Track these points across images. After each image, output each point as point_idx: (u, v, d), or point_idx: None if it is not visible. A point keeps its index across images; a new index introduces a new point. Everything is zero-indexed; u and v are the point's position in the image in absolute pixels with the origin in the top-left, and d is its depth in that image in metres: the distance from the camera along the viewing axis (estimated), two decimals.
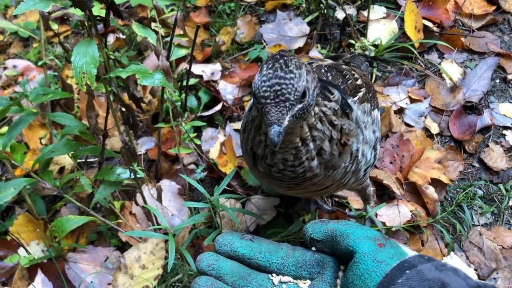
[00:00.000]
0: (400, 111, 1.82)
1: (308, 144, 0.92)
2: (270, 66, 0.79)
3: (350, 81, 1.12)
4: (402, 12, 2.06)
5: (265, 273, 0.74)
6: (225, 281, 0.72)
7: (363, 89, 1.13)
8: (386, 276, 0.61)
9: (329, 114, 0.94)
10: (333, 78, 1.12)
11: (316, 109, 0.91)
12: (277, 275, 0.74)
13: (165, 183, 1.68)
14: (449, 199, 1.61)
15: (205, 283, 0.70)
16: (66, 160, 1.83)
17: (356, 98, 1.08)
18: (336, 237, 0.70)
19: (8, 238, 1.59)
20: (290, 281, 0.73)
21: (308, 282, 0.73)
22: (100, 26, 1.27)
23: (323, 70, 1.14)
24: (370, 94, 1.18)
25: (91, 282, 1.46)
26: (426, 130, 1.77)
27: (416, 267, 0.61)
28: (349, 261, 0.67)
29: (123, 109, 1.39)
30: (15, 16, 2.70)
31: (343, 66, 1.21)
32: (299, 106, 0.80)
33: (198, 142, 1.61)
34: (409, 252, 0.66)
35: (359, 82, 1.15)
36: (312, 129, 0.91)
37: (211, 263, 0.73)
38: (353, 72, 1.18)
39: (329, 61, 1.27)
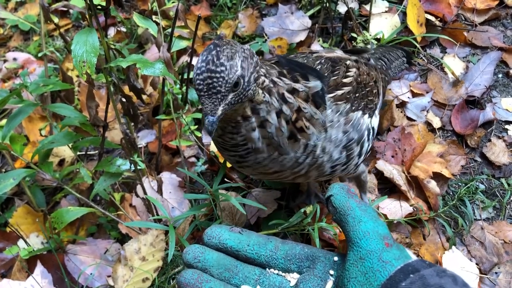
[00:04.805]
0: (402, 105, 1.81)
1: (250, 119, 0.94)
2: (204, 58, 0.83)
3: (335, 77, 1.11)
4: (404, 6, 2.05)
5: (254, 265, 0.74)
6: (211, 273, 0.72)
7: (346, 88, 1.11)
8: (390, 278, 0.61)
9: (282, 86, 0.96)
10: (321, 70, 1.11)
11: (266, 81, 0.93)
12: (265, 267, 0.74)
13: (165, 176, 1.67)
14: (451, 193, 1.60)
15: (191, 276, 0.70)
16: (65, 152, 1.82)
17: (331, 95, 1.07)
18: (348, 216, 0.69)
19: (8, 229, 1.58)
20: (278, 274, 0.73)
21: (296, 275, 0.73)
22: (102, 19, 1.26)
23: (317, 62, 1.14)
24: (357, 95, 1.15)
25: (91, 274, 1.45)
26: (428, 124, 1.76)
27: (419, 272, 0.61)
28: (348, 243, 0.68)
29: (124, 100, 1.39)
30: (16, 9, 2.69)
31: (347, 62, 1.19)
32: (232, 94, 0.84)
33: (199, 135, 1.60)
34: (412, 256, 0.66)
35: (347, 80, 1.13)
36: (257, 105, 0.93)
37: (197, 255, 0.73)
38: (350, 70, 1.16)
39: (339, 53, 1.25)
